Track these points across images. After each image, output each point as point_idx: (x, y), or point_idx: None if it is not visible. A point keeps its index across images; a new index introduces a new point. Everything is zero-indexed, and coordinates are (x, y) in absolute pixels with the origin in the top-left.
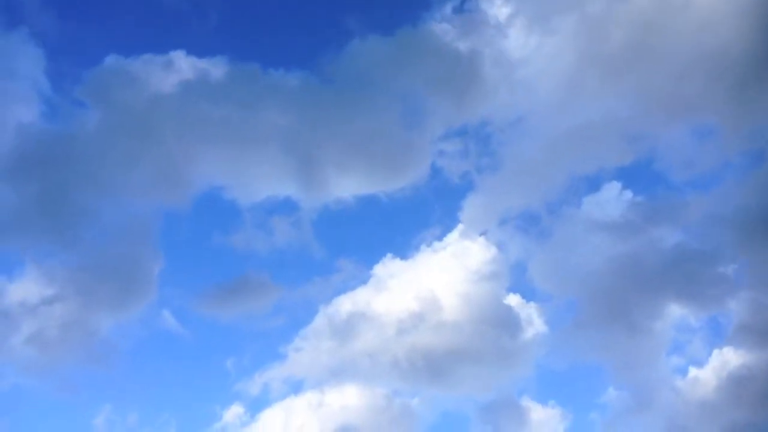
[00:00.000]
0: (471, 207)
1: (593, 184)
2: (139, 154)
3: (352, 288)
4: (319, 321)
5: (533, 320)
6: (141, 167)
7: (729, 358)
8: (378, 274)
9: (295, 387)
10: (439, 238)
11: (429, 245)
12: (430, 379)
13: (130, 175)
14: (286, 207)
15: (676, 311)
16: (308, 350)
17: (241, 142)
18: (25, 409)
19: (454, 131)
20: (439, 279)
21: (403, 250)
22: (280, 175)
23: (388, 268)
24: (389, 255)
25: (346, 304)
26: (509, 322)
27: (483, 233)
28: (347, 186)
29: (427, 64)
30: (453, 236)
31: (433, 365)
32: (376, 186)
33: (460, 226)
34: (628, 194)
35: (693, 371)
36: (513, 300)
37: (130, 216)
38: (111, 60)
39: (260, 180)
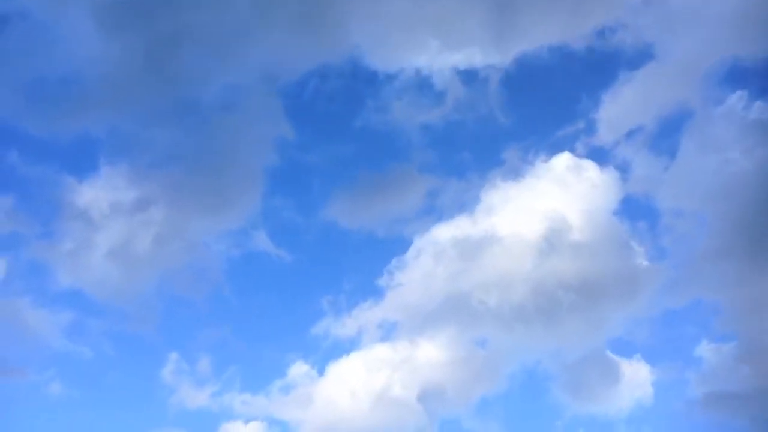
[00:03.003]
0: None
1: (744, 76)
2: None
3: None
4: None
5: (647, 252)
6: (267, 17)
7: None
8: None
9: (388, 331)
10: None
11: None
12: (521, 325)
13: (253, 28)
14: (444, 74)
15: None
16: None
17: None
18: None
19: None
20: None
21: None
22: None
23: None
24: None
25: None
26: (622, 254)
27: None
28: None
29: None
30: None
31: (526, 308)
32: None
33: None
34: None
35: None
36: (629, 227)
37: (245, 85)
38: None
39: (418, 36)
